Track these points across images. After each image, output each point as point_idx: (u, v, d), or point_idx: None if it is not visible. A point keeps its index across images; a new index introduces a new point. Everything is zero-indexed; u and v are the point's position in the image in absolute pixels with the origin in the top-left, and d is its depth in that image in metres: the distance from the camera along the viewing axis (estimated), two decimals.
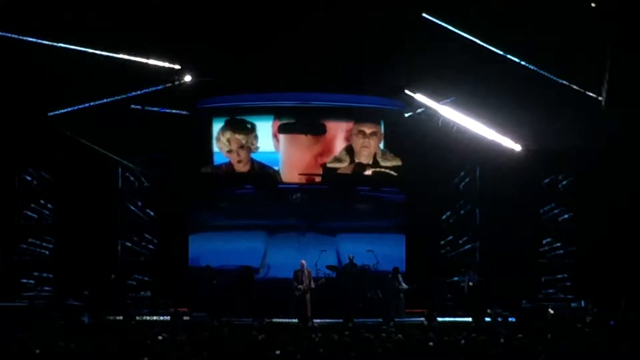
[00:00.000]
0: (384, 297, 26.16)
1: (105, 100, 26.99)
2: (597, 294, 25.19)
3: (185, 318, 24.60)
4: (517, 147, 27.65)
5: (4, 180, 27.89)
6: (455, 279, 27.63)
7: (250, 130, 28.60)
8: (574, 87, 26.34)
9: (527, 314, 25.02)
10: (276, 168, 28.79)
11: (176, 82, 27.09)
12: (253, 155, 28.72)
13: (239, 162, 28.69)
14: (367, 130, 28.81)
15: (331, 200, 28.87)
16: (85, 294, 25.87)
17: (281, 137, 28.74)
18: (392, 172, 28.84)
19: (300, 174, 28.84)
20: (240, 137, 28.54)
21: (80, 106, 26.99)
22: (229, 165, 28.75)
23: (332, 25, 25.59)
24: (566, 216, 28.55)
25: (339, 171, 28.84)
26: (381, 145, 28.88)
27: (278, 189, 28.78)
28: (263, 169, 28.78)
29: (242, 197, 28.93)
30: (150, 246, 28.61)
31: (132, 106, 27.53)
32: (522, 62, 26.09)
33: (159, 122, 27.89)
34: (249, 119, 28.72)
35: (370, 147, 28.85)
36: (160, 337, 17.42)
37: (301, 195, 28.85)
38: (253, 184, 28.87)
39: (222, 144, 28.66)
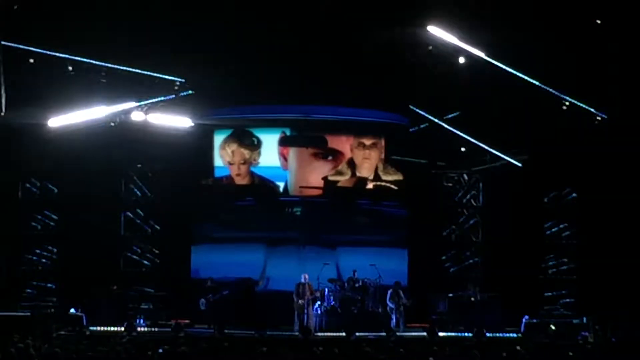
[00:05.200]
0: (385, 311, 26.17)
1: (109, 111, 27.06)
2: (599, 311, 25.16)
3: (186, 330, 24.54)
4: (521, 162, 27.68)
5: (8, 190, 27.87)
6: (458, 293, 27.58)
7: (256, 147, 28.62)
8: (579, 103, 26.37)
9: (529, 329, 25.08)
10: (278, 182, 28.77)
11: (179, 94, 27.13)
12: (252, 169, 28.72)
13: (238, 175, 28.71)
14: (367, 142, 28.82)
15: (332, 213, 28.85)
16: (87, 304, 25.88)
17: (290, 157, 28.71)
18: (393, 187, 28.83)
19: (301, 187, 28.84)
20: (245, 151, 28.57)
21: (83, 116, 27.04)
22: (230, 178, 28.77)
23: (336, 37, 25.65)
24: (569, 232, 28.54)
25: (340, 184, 28.82)
26: (382, 158, 28.84)
27: (278, 201, 28.77)
28: (263, 182, 28.76)
29: (243, 210, 28.93)
30: (153, 257, 28.59)
31: (136, 117, 27.52)
32: (527, 78, 26.11)
33: (162, 134, 27.86)
34: (251, 131, 28.73)
35: (372, 158, 28.82)
36: (161, 350, 17.40)
37: (301, 209, 28.82)
38: (254, 196, 28.86)
39: (224, 154, 28.66)
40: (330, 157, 28.81)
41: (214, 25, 25.60)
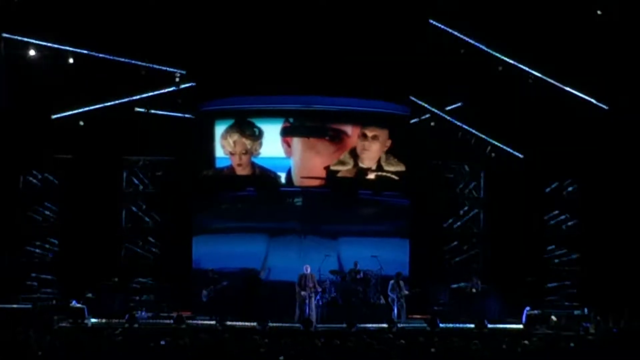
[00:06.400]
0: (386, 302, 26.19)
1: (109, 103, 27.09)
2: (601, 302, 25.19)
3: (188, 322, 24.56)
4: (522, 153, 27.70)
5: (9, 183, 27.88)
6: (459, 284, 27.61)
7: (258, 137, 28.55)
8: (580, 94, 26.38)
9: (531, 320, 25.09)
10: (279, 173, 28.74)
11: (180, 86, 27.14)
12: (254, 159, 28.68)
13: (239, 165, 28.62)
14: (369, 134, 28.69)
15: (333, 203, 28.82)
16: (88, 296, 25.91)
17: (294, 143, 28.68)
18: (394, 177, 28.78)
19: (302, 177, 28.80)
20: (247, 141, 28.47)
21: (84, 109, 27.06)
22: (231, 168, 28.73)
23: (339, 29, 25.64)
24: (570, 223, 28.55)
25: (340, 174, 28.74)
26: (385, 149, 28.80)
27: (279, 192, 28.75)
28: (264, 172, 28.73)
29: (244, 200, 28.89)
30: (154, 249, 28.60)
31: (137, 109, 27.55)
32: (528, 69, 26.12)
33: (163, 125, 27.89)
34: (253, 122, 28.69)
35: (371, 150, 28.70)
36: (162, 342, 17.42)
37: (302, 200, 28.81)
38: (255, 187, 28.83)
39: (226, 144, 28.59)
40: (336, 140, 28.72)
41: (214, 16, 25.61)
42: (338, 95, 28.36)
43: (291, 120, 28.69)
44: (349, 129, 28.81)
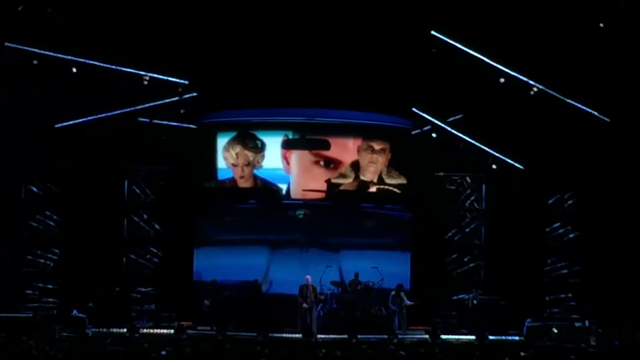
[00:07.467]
0: (387, 313, 26.20)
1: (112, 112, 27.12)
2: (602, 314, 25.17)
3: (189, 332, 24.55)
4: (524, 165, 27.69)
5: (10, 191, 27.88)
6: (460, 296, 27.59)
7: (260, 149, 28.58)
8: (581, 106, 26.41)
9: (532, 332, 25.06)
10: (280, 185, 28.74)
11: (183, 96, 27.16)
12: (256, 172, 28.70)
13: (242, 177, 28.62)
14: (377, 147, 28.70)
15: (335, 216, 28.83)
16: (89, 306, 25.91)
17: (292, 162, 28.70)
18: (396, 190, 28.79)
19: (304, 190, 28.80)
20: (249, 153, 28.50)
21: (87, 118, 27.10)
22: (233, 180, 28.75)
23: (341, 41, 25.68)
24: (571, 235, 28.50)
25: (343, 187, 28.77)
26: (387, 162, 28.80)
27: (281, 204, 28.76)
28: (266, 185, 28.75)
29: (246, 212, 28.92)
30: (155, 259, 28.58)
31: (140, 119, 27.58)
32: (529, 81, 26.15)
33: (165, 135, 27.91)
34: (255, 134, 28.71)
35: (378, 163, 28.73)
36: (163, 352, 17.41)
37: (304, 212, 28.81)
38: (257, 199, 28.85)
39: (228, 156, 28.61)
40: (332, 165, 28.79)
41: (218, 27, 25.66)
42: (340, 108, 28.39)
43: (290, 135, 28.72)
44: (349, 143, 28.83)
